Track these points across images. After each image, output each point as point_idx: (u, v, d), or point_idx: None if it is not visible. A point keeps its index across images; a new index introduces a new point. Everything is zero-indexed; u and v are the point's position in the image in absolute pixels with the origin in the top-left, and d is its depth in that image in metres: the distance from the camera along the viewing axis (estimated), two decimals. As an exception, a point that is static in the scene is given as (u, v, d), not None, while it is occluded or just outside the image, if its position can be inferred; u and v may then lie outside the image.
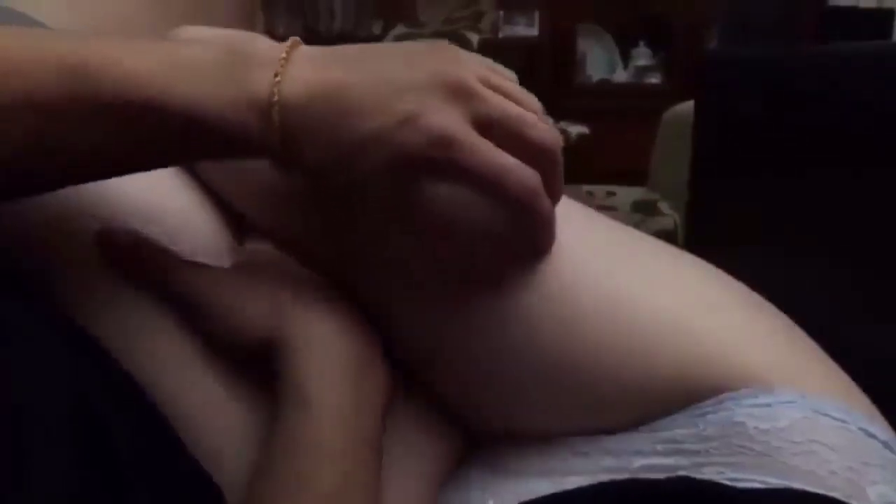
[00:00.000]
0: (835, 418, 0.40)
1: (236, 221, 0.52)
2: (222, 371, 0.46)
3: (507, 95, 0.41)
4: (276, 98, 0.39)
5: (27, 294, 0.45)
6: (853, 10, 2.52)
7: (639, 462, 0.42)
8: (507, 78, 0.43)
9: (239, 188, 0.50)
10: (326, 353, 0.43)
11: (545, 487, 0.43)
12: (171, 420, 0.44)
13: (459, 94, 0.40)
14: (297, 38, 0.41)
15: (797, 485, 0.38)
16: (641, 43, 3.03)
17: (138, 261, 0.46)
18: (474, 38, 1.56)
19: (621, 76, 3.09)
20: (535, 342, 0.43)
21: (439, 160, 0.39)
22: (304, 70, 0.39)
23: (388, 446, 0.44)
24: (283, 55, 0.40)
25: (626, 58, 3.08)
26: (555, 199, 0.43)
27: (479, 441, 0.49)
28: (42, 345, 0.38)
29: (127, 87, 0.38)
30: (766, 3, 2.83)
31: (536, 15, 2.97)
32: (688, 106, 1.32)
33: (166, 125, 0.39)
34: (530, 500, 0.42)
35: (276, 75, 0.39)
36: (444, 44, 0.43)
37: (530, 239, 0.43)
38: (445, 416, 0.49)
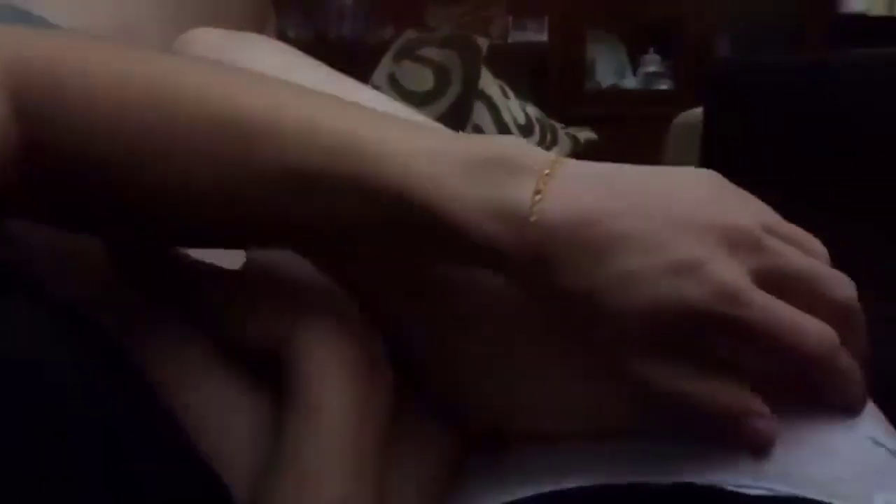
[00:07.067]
0: (842, 426, 0.40)
1: None
2: (227, 373, 0.46)
3: (795, 244, 0.38)
4: (534, 218, 0.36)
5: (36, 295, 0.46)
6: (862, 18, 2.52)
7: (640, 466, 0.41)
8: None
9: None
10: (332, 359, 0.43)
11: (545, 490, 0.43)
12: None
13: (744, 244, 0.36)
14: (563, 158, 0.38)
15: (803, 492, 0.38)
16: (651, 49, 3.03)
17: (145, 263, 0.46)
18: (484, 43, 1.57)
19: (631, 82, 3.08)
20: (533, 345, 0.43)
21: (728, 317, 0.35)
22: (567, 188, 0.36)
23: (387, 453, 0.44)
24: (547, 171, 0.37)
25: (635, 64, 3.08)
26: (857, 357, 0.39)
27: (479, 447, 0.49)
28: (56, 344, 0.38)
29: (365, 169, 0.36)
30: (775, 11, 2.83)
31: (546, 20, 2.97)
32: (697, 112, 1.32)
33: (402, 218, 0.37)
34: (527, 496, 0.42)
35: (537, 192, 0.36)
36: (717, 178, 0.40)
37: (835, 396, 0.40)
38: (444, 421, 0.49)
